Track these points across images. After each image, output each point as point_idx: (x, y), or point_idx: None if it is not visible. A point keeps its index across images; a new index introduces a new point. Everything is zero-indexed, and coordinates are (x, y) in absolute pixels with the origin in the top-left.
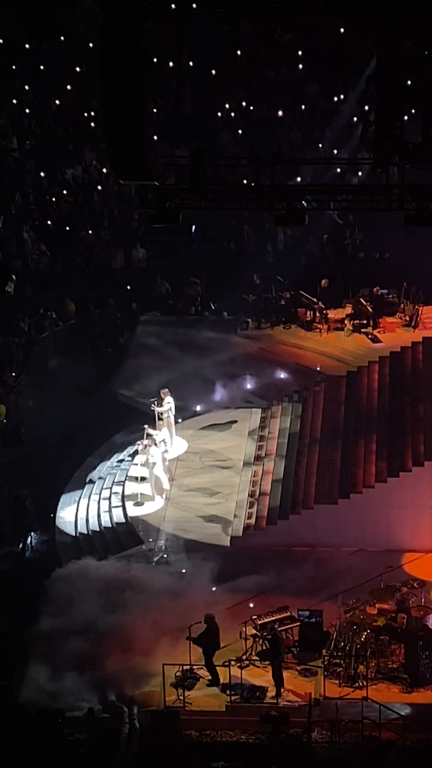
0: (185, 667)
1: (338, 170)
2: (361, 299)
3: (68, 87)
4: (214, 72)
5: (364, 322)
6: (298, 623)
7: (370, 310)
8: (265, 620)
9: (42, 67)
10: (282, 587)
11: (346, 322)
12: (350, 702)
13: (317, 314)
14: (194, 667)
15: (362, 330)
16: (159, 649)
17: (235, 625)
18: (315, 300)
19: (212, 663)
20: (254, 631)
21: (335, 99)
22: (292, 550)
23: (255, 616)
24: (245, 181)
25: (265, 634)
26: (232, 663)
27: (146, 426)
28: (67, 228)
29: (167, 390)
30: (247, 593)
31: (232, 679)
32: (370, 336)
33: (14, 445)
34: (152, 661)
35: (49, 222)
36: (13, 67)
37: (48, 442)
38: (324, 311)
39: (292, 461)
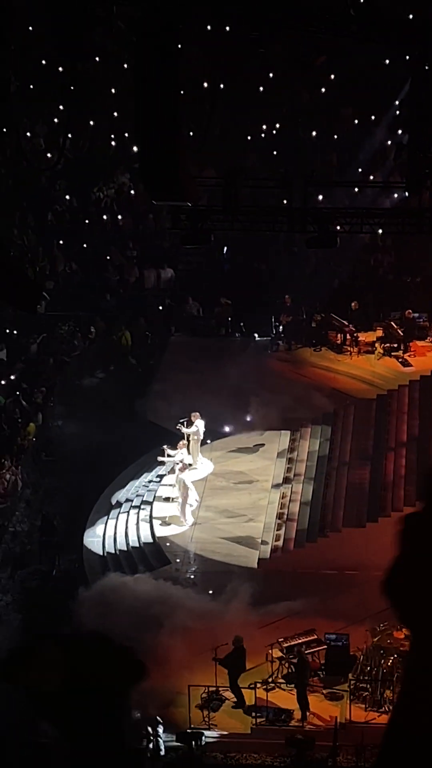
0: (211, 689)
1: (370, 194)
2: (392, 322)
3: (102, 107)
4: (246, 94)
5: (395, 345)
6: (325, 646)
7: (401, 333)
8: (292, 643)
9: (76, 88)
10: (309, 610)
11: (376, 345)
12: (376, 727)
13: (348, 337)
14: (220, 688)
15: (393, 353)
16: (185, 670)
17: (261, 648)
18: (346, 323)
19: (237, 685)
20: (280, 654)
21: (368, 122)
22: (319, 573)
23: (281, 639)
24: (284, 201)
25: (291, 656)
26: (258, 685)
27: (166, 446)
28: (99, 248)
29: (198, 414)
30: (274, 615)
31: (257, 702)
32: (400, 359)
33: (43, 463)
34: (178, 682)
35: (81, 241)
36: (48, 87)
37: (77, 461)
38: (354, 334)
39: (320, 484)
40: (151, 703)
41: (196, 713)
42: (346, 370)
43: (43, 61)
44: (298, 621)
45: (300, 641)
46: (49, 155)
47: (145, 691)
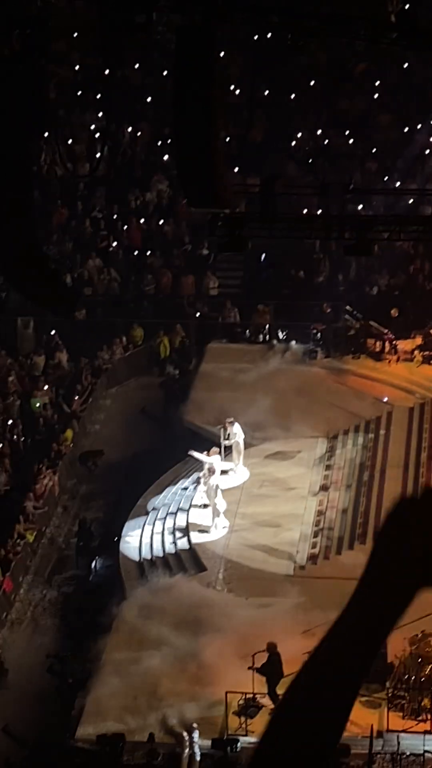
0: (248, 695)
1: (410, 201)
2: (431, 330)
3: (141, 114)
4: (287, 101)
5: None
6: None
7: None
8: None
9: (115, 95)
10: None
11: (415, 353)
12: (413, 735)
13: (387, 344)
14: (257, 695)
15: None
16: (223, 676)
17: (299, 655)
18: (385, 330)
19: (275, 692)
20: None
21: (407, 129)
22: (356, 580)
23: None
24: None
25: None
26: None
27: (192, 452)
28: (137, 254)
29: (232, 419)
30: (311, 623)
31: None
32: None
33: (80, 469)
34: (215, 688)
35: (119, 248)
36: (86, 93)
37: (114, 467)
38: (393, 342)
39: (357, 492)
40: (188, 709)
41: (233, 720)
42: (385, 377)
43: (82, 68)
44: None
45: None
46: (87, 161)
47: (183, 697)
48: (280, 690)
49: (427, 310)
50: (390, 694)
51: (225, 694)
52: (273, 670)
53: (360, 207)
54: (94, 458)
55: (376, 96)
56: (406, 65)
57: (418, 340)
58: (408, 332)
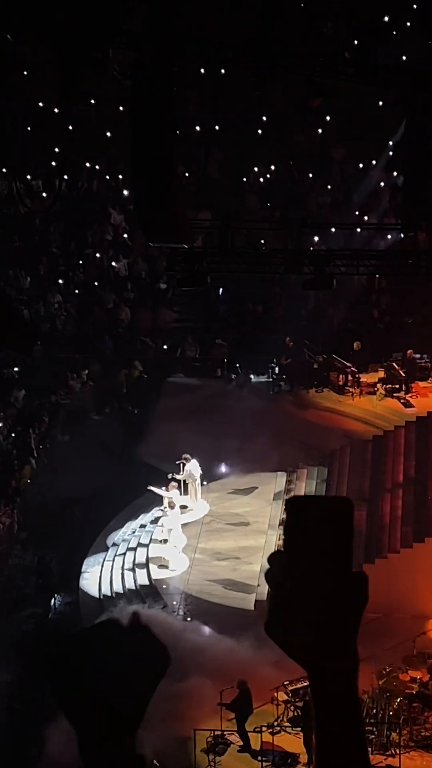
0: (216, 732)
1: (365, 235)
2: (394, 363)
3: (97, 150)
4: (243, 135)
5: (397, 386)
6: None
7: (403, 374)
8: (297, 686)
9: (72, 130)
10: None
11: (378, 386)
12: None
13: (350, 378)
14: (225, 732)
15: (395, 394)
16: (190, 712)
17: (265, 690)
18: (347, 364)
19: (244, 728)
20: (286, 697)
21: (363, 164)
22: None
23: (287, 682)
24: (281, 244)
25: (296, 700)
26: (264, 729)
27: (151, 487)
28: (95, 290)
29: (188, 456)
30: (274, 657)
31: (263, 745)
32: (402, 400)
33: (38, 506)
34: (182, 725)
35: (76, 283)
36: (43, 128)
37: (72, 504)
38: (356, 375)
39: None
40: (155, 748)
41: (201, 757)
42: (348, 411)
43: (40, 104)
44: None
45: (305, 684)
46: (44, 196)
47: (149, 734)
48: (249, 726)
49: (388, 343)
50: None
51: (192, 731)
52: (243, 706)
53: (317, 240)
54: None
55: (331, 130)
56: (361, 100)
57: (381, 374)
58: (367, 366)
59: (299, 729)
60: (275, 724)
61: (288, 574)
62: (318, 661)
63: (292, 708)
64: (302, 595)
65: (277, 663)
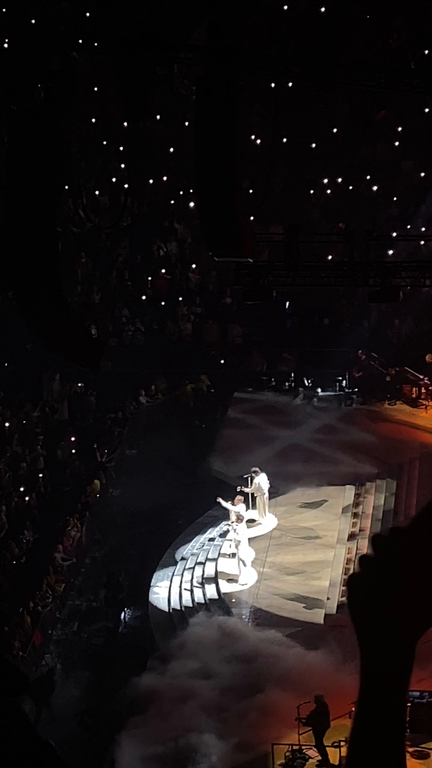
0: (294, 747)
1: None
2: None
3: (163, 164)
4: (309, 148)
5: None
6: (409, 704)
7: None
8: None
9: (137, 146)
10: None
11: None
12: None
13: (423, 390)
14: (303, 747)
15: None
16: (267, 727)
17: (344, 704)
18: (420, 376)
19: (322, 743)
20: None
21: (429, 175)
22: None
23: None
24: (346, 256)
25: None
26: (342, 744)
27: (220, 499)
28: (163, 304)
29: (257, 469)
30: (352, 671)
31: (342, 760)
32: None
33: (108, 520)
34: (260, 740)
35: (144, 298)
36: (108, 145)
37: (141, 518)
38: (430, 387)
39: None
40: (231, 763)
41: None
42: (422, 423)
43: (104, 120)
44: None
45: None
46: (110, 212)
47: (229, 750)
48: (327, 741)
49: None
50: None
51: (271, 745)
52: (320, 720)
53: (383, 253)
54: None
55: (397, 142)
56: (426, 110)
57: None
58: None
59: None
60: None
61: (393, 554)
62: (379, 644)
63: None
64: (396, 578)
65: (354, 676)
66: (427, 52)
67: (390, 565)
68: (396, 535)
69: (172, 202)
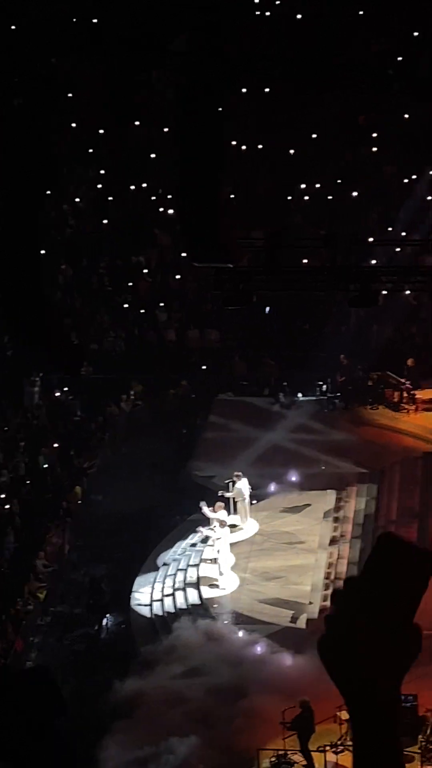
0: (280, 752)
1: (411, 252)
2: None
3: (144, 171)
4: (289, 154)
5: None
6: None
7: None
8: None
9: (118, 152)
10: None
11: None
12: None
13: (405, 394)
14: (289, 752)
15: None
16: (252, 733)
17: (328, 709)
18: (402, 380)
19: (307, 748)
20: (348, 716)
21: (410, 180)
22: None
23: None
24: (327, 261)
25: None
26: (327, 748)
27: (203, 504)
28: (142, 309)
29: (240, 474)
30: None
31: (327, 765)
32: None
33: (90, 526)
34: (245, 746)
35: (124, 304)
36: (90, 150)
37: (123, 523)
38: (411, 391)
39: (368, 543)
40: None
41: None
42: (405, 428)
43: (86, 125)
44: None
45: None
46: (91, 218)
47: (212, 756)
48: (312, 746)
49: None
50: (422, 748)
51: (256, 751)
52: (305, 725)
53: (364, 258)
54: None
55: (378, 147)
56: (407, 116)
57: None
58: (426, 382)
59: None
60: (338, 743)
61: (357, 601)
62: (361, 693)
63: None
64: (363, 626)
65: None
66: (405, 58)
67: (352, 618)
68: (352, 586)
69: (154, 207)
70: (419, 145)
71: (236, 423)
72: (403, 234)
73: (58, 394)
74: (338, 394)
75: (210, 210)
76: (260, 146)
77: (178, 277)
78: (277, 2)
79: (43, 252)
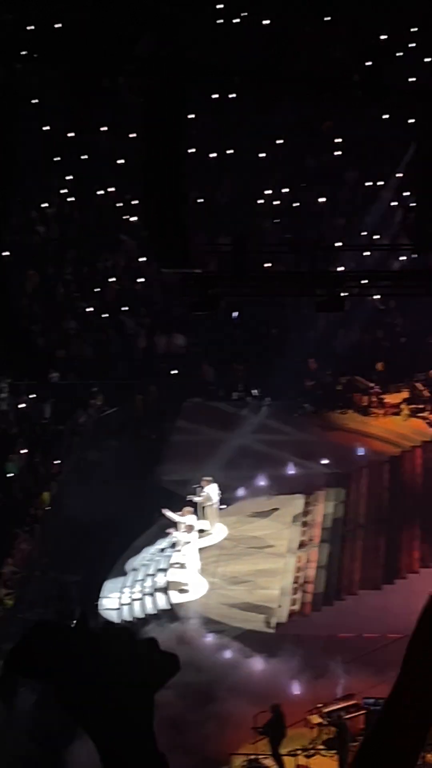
0: (251, 757)
1: (377, 256)
2: (417, 383)
3: (109, 177)
4: (254, 160)
5: (422, 406)
6: (364, 711)
7: (428, 394)
8: (331, 708)
9: (83, 158)
10: (332, 674)
11: (402, 406)
12: None
13: (373, 398)
14: (260, 756)
15: (419, 414)
16: (224, 737)
17: (298, 713)
18: (371, 384)
19: (279, 752)
20: (320, 720)
21: (375, 185)
22: (337, 636)
23: (320, 704)
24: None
25: (330, 722)
26: (299, 752)
27: (166, 510)
28: (109, 315)
29: (209, 479)
30: (306, 680)
31: None
32: (427, 420)
33: (58, 532)
34: (218, 750)
35: (91, 310)
36: (56, 157)
37: (91, 529)
38: (380, 395)
39: (336, 547)
40: None
41: None
42: (373, 431)
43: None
44: (323, 685)
45: (339, 706)
46: (57, 224)
47: (184, 761)
48: (284, 750)
49: (412, 363)
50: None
51: (228, 755)
52: (276, 729)
53: (331, 263)
54: None
55: (342, 152)
56: (370, 121)
57: (405, 394)
58: (394, 386)
59: (334, 752)
60: (310, 747)
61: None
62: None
63: (326, 730)
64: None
65: (308, 685)
66: (368, 64)
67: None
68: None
69: (119, 214)
70: (383, 150)
71: (205, 428)
72: (374, 237)
73: (24, 404)
74: (306, 398)
75: (175, 216)
76: (229, 151)
77: (142, 280)
78: (243, 14)
79: (7, 258)
